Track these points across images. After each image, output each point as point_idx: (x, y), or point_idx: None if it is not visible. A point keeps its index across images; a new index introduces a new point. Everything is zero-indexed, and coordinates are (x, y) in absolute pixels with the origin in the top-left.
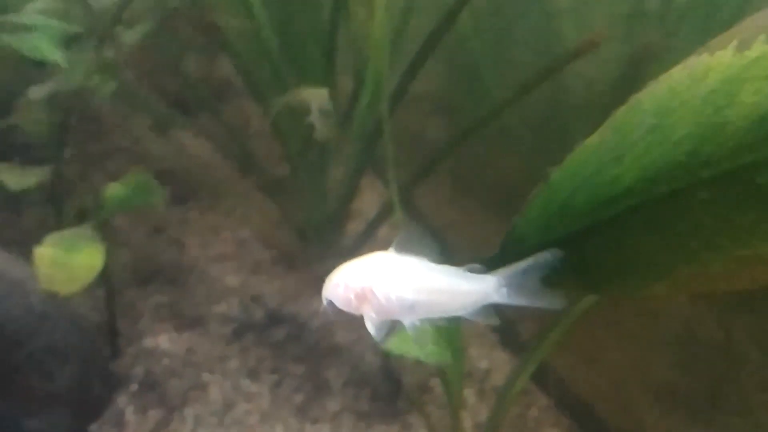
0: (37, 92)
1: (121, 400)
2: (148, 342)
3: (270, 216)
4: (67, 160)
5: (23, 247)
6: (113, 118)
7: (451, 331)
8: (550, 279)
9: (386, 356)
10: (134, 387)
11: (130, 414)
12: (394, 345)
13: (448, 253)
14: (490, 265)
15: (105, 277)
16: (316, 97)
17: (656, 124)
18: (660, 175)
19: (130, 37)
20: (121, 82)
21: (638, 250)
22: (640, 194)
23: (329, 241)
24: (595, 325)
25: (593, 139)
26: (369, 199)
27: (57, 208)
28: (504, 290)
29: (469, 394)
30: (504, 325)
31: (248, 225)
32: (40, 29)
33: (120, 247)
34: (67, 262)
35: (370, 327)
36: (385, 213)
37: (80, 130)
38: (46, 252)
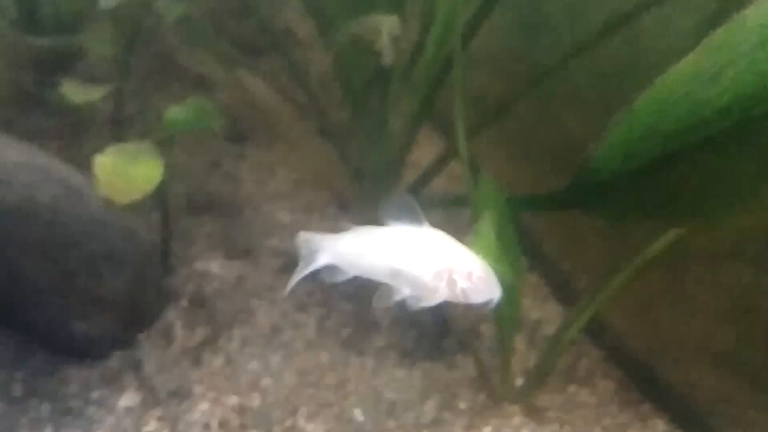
0: (107, 2)
1: (171, 314)
2: (200, 266)
3: (327, 159)
4: (130, 87)
5: (84, 168)
6: (179, 54)
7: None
8: (630, 214)
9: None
10: (184, 303)
11: (178, 328)
12: None
13: None
14: (557, 199)
15: (160, 198)
16: (386, 23)
17: (761, 42)
18: (761, 95)
19: None
20: (189, 16)
21: (727, 176)
22: (737, 115)
23: (384, 187)
24: (656, 288)
25: (686, 62)
26: (427, 152)
27: (117, 130)
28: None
29: (519, 341)
30: (558, 277)
31: (304, 166)
32: None
33: (177, 178)
34: (126, 171)
35: None
36: (441, 163)
37: (145, 61)
38: (106, 160)
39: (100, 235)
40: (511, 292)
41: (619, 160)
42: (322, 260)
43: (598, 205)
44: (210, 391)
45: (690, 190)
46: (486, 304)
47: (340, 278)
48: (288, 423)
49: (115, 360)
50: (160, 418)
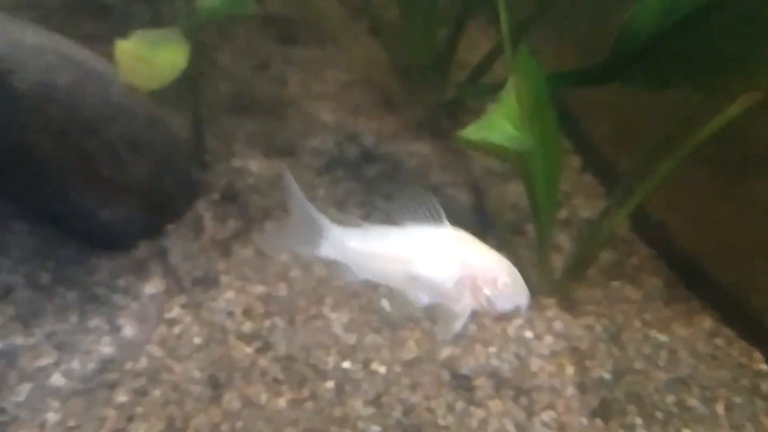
0: None
1: (201, 206)
2: (237, 162)
3: (377, 60)
4: None
5: None
6: None
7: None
8: (671, 78)
9: (481, 197)
10: (215, 196)
11: (208, 220)
12: (471, 132)
13: None
14: (598, 71)
15: (192, 92)
16: None
17: None
18: None
19: None
20: None
21: None
22: None
23: (433, 85)
24: (715, 188)
25: None
26: (480, 52)
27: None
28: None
29: (565, 239)
30: (612, 177)
31: (354, 68)
32: None
33: (222, 80)
34: (149, 57)
35: None
36: (489, 61)
37: None
38: (128, 46)
39: (121, 121)
40: (548, 177)
41: (659, 16)
42: (324, 251)
43: (639, 72)
44: (237, 280)
45: (735, 43)
46: (513, 311)
47: (351, 278)
48: (312, 311)
49: (142, 249)
50: (183, 305)
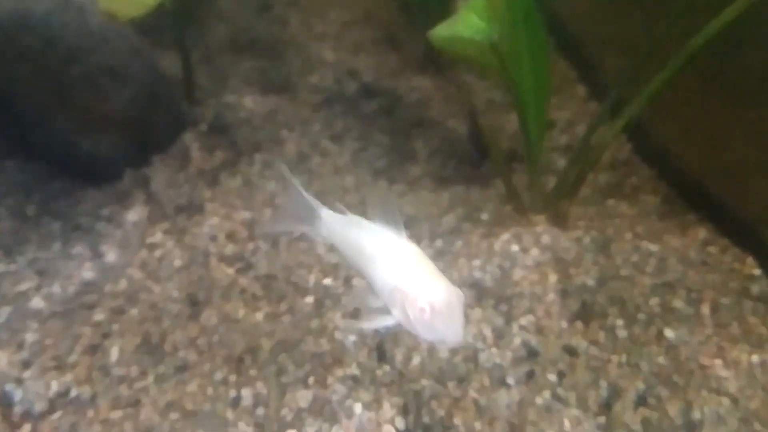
0: None
1: (189, 138)
2: (230, 98)
3: None
4: None
5: None
6: None
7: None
8: None
9: (478, 125)
10: (203, 127)
11: (195, 151)
12: (440, 29)
13: None
14: None
15: (178, 26)
16: None
17: None
18: None
19: None
20: None
21: None
22: None
23: (435, 20)
24: (721, 114)
25: None
26: None
27: None
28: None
29: (564, 162)
30: (615, 96)
31: (356, 6)
32: None
33: (222, 22)
34: None
35: None
36: None
37: None
38: None
39: (101, 50)
40: (538, 91)
41: None
42: (318, 231)
43: None
44: (222, 207)
45: None
46: (437, 342)
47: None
48: (297, 232)
49: (127, 179)
50: (166, 231)
